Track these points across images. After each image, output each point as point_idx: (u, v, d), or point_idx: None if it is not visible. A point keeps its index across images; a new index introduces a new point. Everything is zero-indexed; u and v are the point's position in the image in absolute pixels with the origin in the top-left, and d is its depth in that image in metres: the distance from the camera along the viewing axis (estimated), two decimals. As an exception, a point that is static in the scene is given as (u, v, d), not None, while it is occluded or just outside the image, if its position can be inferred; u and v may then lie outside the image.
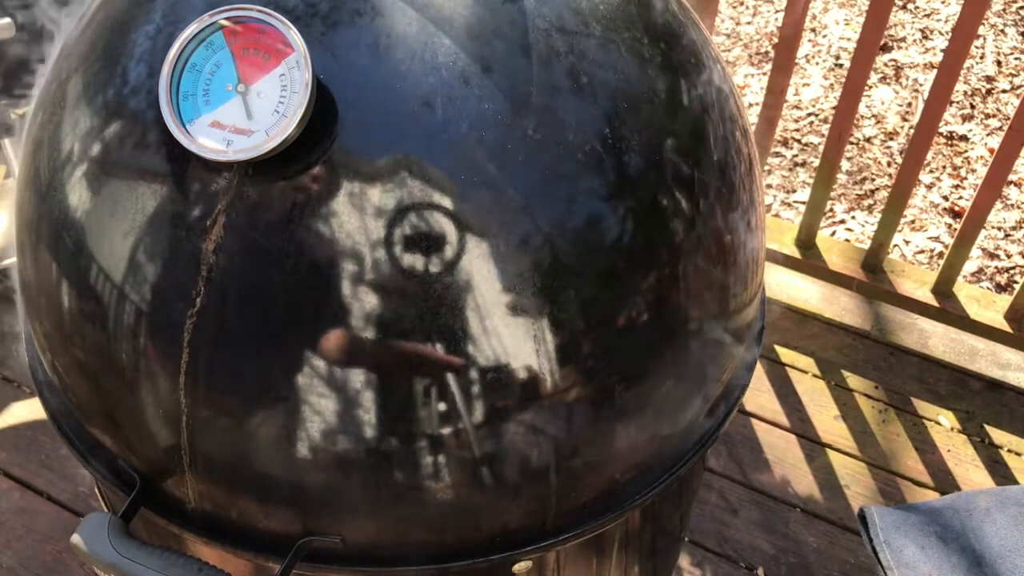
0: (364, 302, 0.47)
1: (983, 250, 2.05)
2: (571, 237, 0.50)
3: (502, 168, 0.48)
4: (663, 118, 0.55)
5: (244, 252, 0.49)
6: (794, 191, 2.21)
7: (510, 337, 0.49)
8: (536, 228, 0.49)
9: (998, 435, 1.51)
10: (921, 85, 2.48)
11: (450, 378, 0.49)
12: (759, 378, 1.58)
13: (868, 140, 2.34)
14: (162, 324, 0.51)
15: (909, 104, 2.44)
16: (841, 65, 2.56)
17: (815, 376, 1.60)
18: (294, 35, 0.44)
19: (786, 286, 1.71)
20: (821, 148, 2.01)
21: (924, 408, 1.55)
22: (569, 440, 0.54)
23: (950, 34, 1.45)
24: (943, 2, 2.76)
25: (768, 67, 2.44)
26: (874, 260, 1.66)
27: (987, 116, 2.40)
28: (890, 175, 2.23)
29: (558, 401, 0.52)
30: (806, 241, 1.71)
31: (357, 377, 0.48)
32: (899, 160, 2.21)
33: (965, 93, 2.46)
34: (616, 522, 0.60)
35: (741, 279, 0.62)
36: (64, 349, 0.58)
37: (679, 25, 0.59)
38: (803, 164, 2.28)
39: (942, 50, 1.66)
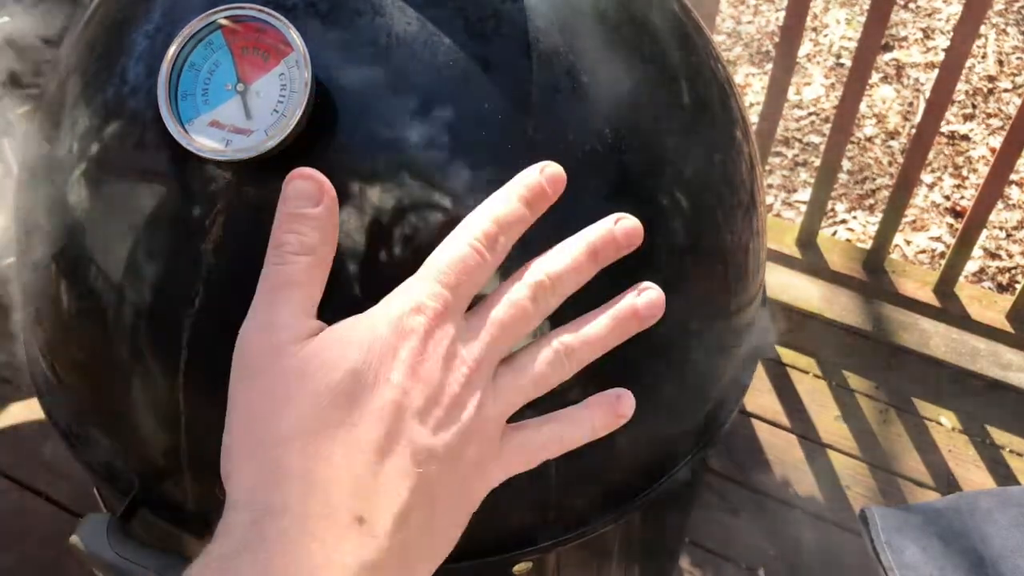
0: (364, 302, 0.47)
1: (985, 250, 2.05)
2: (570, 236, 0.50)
3: (502, 168, 0.48)
4: (663, 117, 0.55)
5: (243, 252, 0.48)
6: (795, 191, 2.21)
7: (510, 338, 0.49)
8: (535, 228, 0.49)
9: (999, 435, 1.51)
10: (923, 84, 2.47)
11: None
12: (759, 378, 1.58)
13: (869, 139, 2.34)
14: (161, 324, 0.51)
15: (910, 103, 2.43)
16: (842, 64, 2.56)
17: (816, 376, 1.60)
18: (293, 34, 0.44)
19: (787, 286, 1.71)
20: (822, 147, 2.01)
21: (925, 408, 1.55)
22: (569, 441, 0.53)
23: (951, 33, 1.45)
24: (945, 1, 2.76)
25: (769, 66, 2.44)
26: (875, 260, 1.66)
27: (989, 116, 2.39)
28: (891, 175, 2.22)
29: (558, 401, 0.51)
30: (807, 241, 1.70)
31: (356, 378, 0.48)
32: (900, 160, 2.20)
33: (967, 93, 2.45)
34: (617, 523, 0.60)
35: (742, 279, 0.62)
36: (62, 349, 0.57)
37: (680, 24, 0.59)
38: (804, 164, 2.28)
39: (943, 49, 1.66)
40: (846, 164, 2.24)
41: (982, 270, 2.01)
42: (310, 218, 0.39)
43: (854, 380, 1.58)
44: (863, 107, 2.34)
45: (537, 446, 0.40)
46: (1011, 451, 1.49)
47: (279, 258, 0.38)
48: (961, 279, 1.62)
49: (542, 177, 0.40)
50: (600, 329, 0.40)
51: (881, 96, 2.45)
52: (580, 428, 0.41)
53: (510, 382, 0.39)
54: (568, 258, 0.40)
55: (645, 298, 0.41)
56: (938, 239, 2.07)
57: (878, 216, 1.99)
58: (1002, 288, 1.97)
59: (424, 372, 0.35)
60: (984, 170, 2.19)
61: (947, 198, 2.18)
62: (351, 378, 0.35)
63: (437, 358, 0.36)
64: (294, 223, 0.38)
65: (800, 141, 2.33)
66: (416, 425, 0.35)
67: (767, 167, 2.20)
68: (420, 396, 0.35)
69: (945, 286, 1.62)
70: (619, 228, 0.40)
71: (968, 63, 2.09)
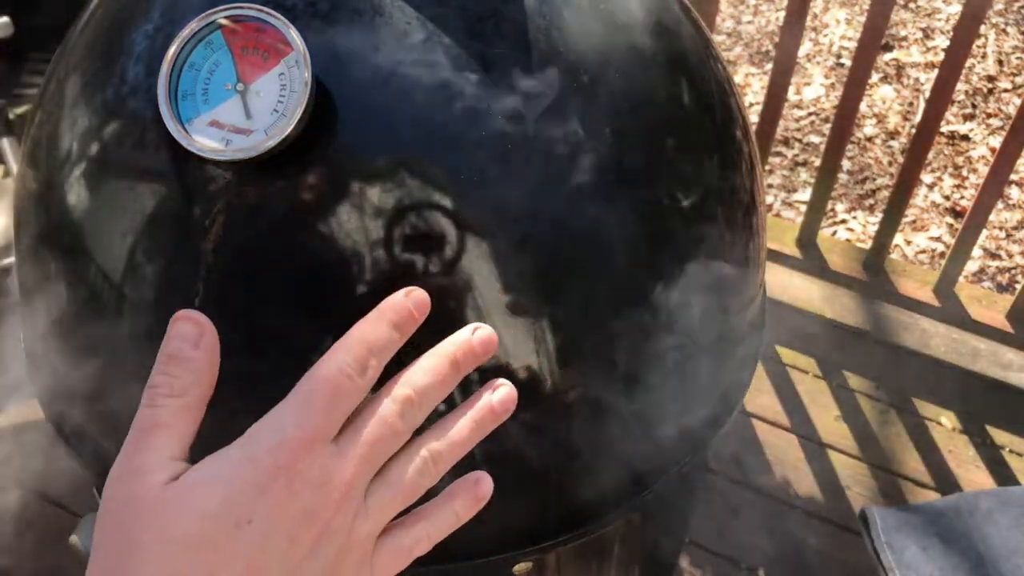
0: (363, 302, 0.47)
1: (985, 250, 2.05)
2: (572, 237, 0.50)
3: (502, 167, 0.48)
4: (664, 117, 0.55)
5: (243, 252, 0.48)
6: (795, 191, 2.21)
7: (510, 337, 0.49)
8: (537, 228, 0.49)
9: (999, 436, 1.51)
10: (923, 84, 2.47)
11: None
12: (759, 378, 1.58)
13: (869, 139, 2.34)
14: (161, 324, 0.50)
15: (910, 103, 2.43)
16: (842, 64, 2.56)
17: (816, 376, 1.60)
18: (293, 34, 0.44)
19: (787, 286, 1.71)
20: (822, 147, 2.01)
21: (925, 408, 1.55)
22: (569, 440, 0.53)
23: (951, 33, 1.45)
24: (945, 1, 2.76)
25: (769, 66, 2.44)
26: (875, 260, 1.66)
27: (989, 115, 2.39)
28: (891, 175, 2.23)
29: (558, 401, 0.51)
30: (807, 241, 1.70)
31: (356, 377, 0.48)
32: (900, 159, 2.21)
33: (967, 92, 2.45)
34: (617, 523, 0.60)
35: (742, 279, 0.62)
36: (62, 348, 0.57)
37: (680, 23, 0.59)
38: (804, 163, 2.28)
39: (943, 49, 1.66)
40: (846, 164, 2.24)
41: (982, 270, 2.01)
42: (185, 360, 0.38)
43: (854, 380, 1.59)
44: (863, 107, 2.34)
45: (407, 548, 0.41)
46: (1011, 451, 1.49)
47: (149, 400, 0.38)
48: (961, 279, 1.63)
49: (408, 301, 0.41)
50: (462, 431, 0.41)
51: (881, 96, 2.45)
52: (445, 519, 0.42)
53: (382, 497, 0.39)
54: (432, 372, 0.40)
55: (499, 395, 0.42)
56: (938, 239, 2.07)
57: (878, 216, 1.99)
58: (1002, 288, 1.97)
59: (292, 507, 0.35)
60: (984, 170, 2.19)
61: (947, 198, 2.18)
62: (210, 524, 0.33)
63: (307, 488, 0.35)
64: (169, 365, 0.38)
65: (800, 141, 2.34)
66: (278, 567, 0.34)
67: (767, 167, 2.20)
68: (284, 536, 0.35)
69: (945, 286, 1.62)
70: (476, 338, 0.42)
71: (968, 63, 2.09)
